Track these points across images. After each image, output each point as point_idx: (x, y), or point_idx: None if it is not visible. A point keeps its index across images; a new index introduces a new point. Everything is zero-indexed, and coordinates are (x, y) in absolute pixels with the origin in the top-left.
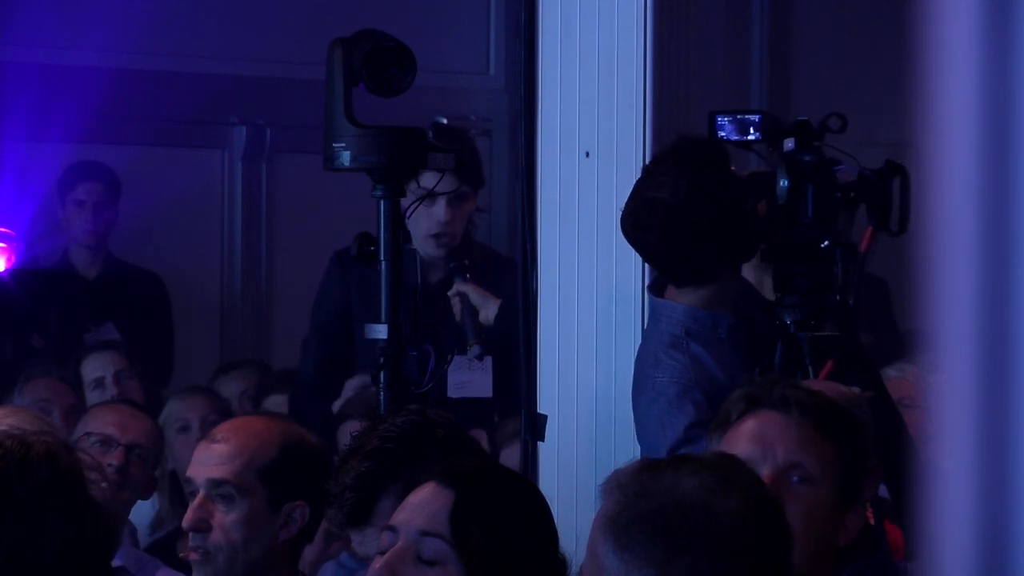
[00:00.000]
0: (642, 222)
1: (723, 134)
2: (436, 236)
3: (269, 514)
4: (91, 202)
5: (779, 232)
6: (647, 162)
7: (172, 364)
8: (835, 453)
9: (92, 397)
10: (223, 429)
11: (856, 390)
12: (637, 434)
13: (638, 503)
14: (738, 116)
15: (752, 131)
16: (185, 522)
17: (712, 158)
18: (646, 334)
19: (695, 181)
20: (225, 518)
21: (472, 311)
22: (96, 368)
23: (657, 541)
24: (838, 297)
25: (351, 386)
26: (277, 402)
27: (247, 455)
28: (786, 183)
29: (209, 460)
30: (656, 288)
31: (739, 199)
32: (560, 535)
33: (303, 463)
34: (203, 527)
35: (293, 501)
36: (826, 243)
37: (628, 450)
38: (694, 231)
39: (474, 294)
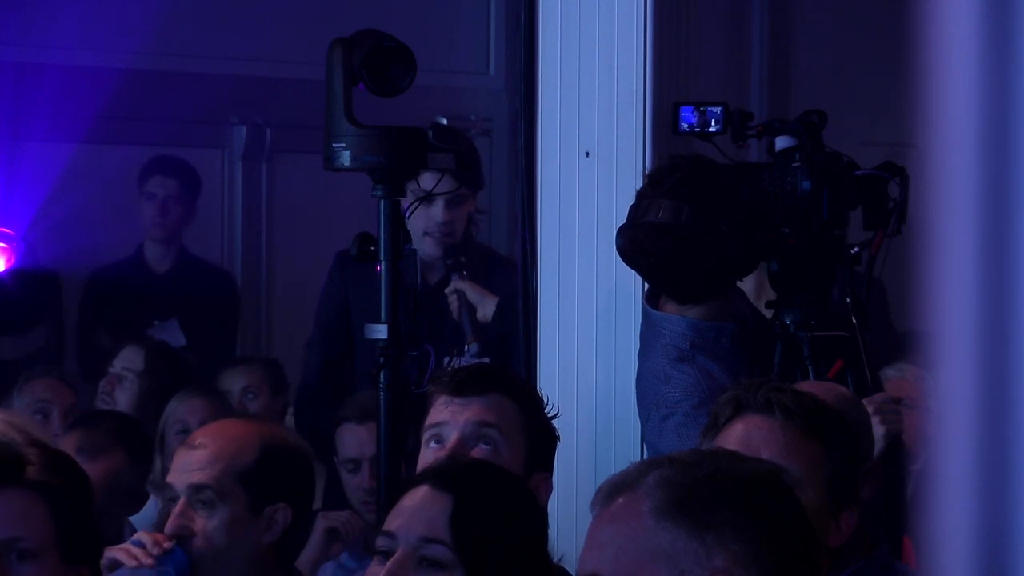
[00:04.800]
0: (644, 248)
1: (685, 125)
2: (433, 235)
3: (251, 518)
4: (161, 196)
5: (792, 234)
6: (640, 186)
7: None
8: (823, 455)
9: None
10: (201, 434)
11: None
12: (652, 448)
13: (693, 472)
14: (701, 107)
15: (713, 123)
16: (168, 529)
17: (709, 177)
18: (645, 347)
19: (696, 204)
20: (207, 524)
21: (470, 308)
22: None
23: (739, 512)
24: (848, 300)
25: None
26: None
27: (226, 459)
28: (808, 185)
29: (188, 466)
30: (652, 299)
31: (741, 216)
32: (560, 533)
33: (284, 465)
34: (186, 533)
35: (275, 504)
36: (855, 249)
37: (628, 450)
38: (699, 255)
39: (471, 291)
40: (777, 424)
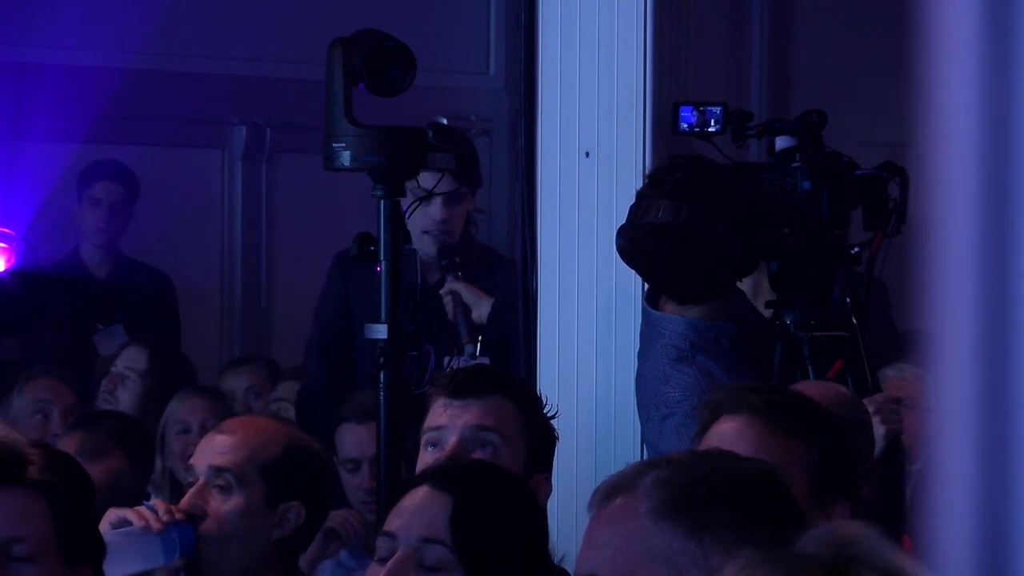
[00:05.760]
0: (644, 248)
1: (685, 125)
2: (431, 233)
3: (265, 511)
4: (107, 201)
5: (792, 234)
6: (641, 186)
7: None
8: (802, 452)
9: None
10: (231, 422)
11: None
12: (652, 449)
13: (691, 472)
14: (701, 107)
15: (713, 123)
16: (182, 504)
17: (709, 177)
18: (645, 347)
19: (696, 204)
20: (221, 507)
21: (465, 310)
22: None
23: (737, 512)
24: (848, 300)
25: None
26: (288, 389)
27: (251, 448)
28: (808, 185)
29: (213, 449)
30: (652, 299)
31: (741, 216)
32: (560, 533)
33: (305, 466)
34: (198, 512)
35: (290, 501)
36: (856, 249)
37: (628, 450)
38: (699, 255)
39: (466, 293)
40: (745, 423)
